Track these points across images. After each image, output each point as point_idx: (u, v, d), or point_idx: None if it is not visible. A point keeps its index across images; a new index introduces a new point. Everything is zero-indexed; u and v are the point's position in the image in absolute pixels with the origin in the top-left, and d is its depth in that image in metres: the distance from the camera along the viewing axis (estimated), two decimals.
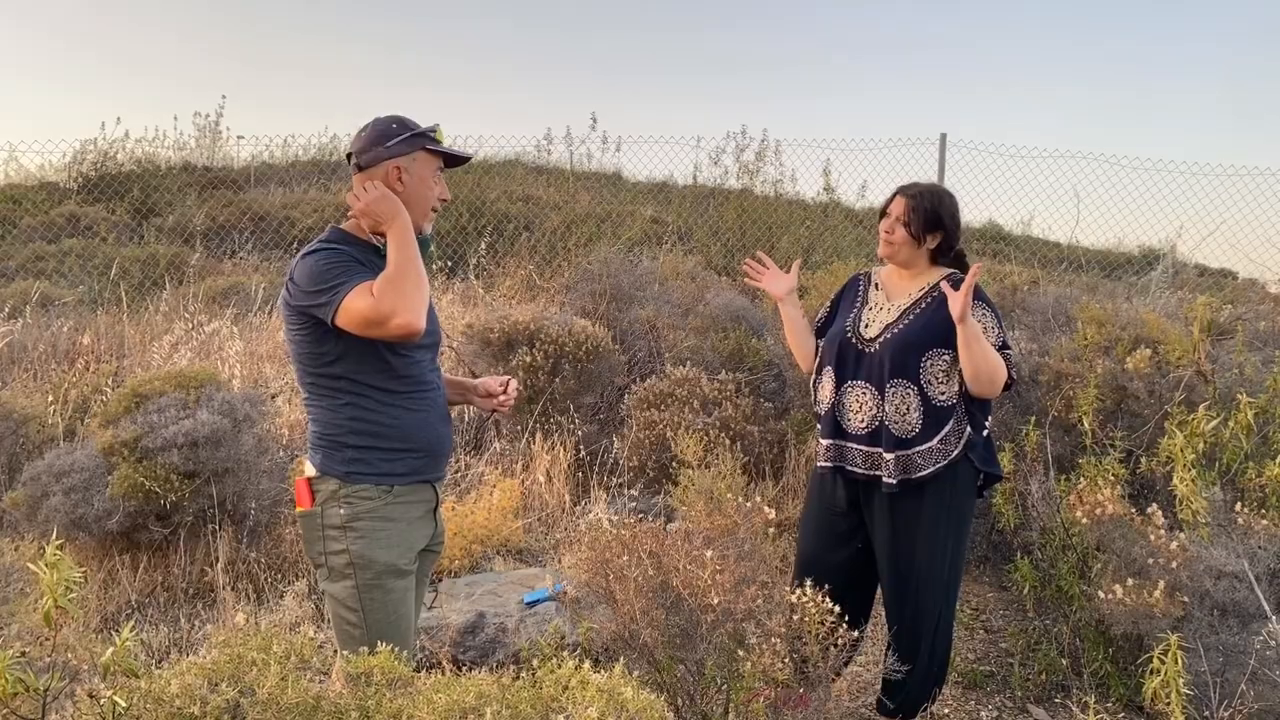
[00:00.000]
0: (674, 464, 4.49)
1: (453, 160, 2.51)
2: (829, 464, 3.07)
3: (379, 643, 2.32)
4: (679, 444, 4.42)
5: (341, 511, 2.31)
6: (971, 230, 13.30)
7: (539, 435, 5.06)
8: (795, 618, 2.78)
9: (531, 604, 3.80)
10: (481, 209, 11.36)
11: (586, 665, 1.69)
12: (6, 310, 6.86)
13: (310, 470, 2.36)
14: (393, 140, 2.37)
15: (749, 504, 3.30)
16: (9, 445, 4.73)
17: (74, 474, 4.07)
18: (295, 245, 10.18)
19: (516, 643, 3.60)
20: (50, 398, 4.85)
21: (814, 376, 3.18)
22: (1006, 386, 2.89)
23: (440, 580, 4.12)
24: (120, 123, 18.74)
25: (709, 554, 2.79)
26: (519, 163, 15.27)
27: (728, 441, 4.74)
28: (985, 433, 2.96)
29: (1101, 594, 3.28)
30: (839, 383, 3.04)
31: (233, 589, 4.00)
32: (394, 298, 2.15)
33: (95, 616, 3.89)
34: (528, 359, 5.16)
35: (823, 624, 2.76)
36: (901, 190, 3.04)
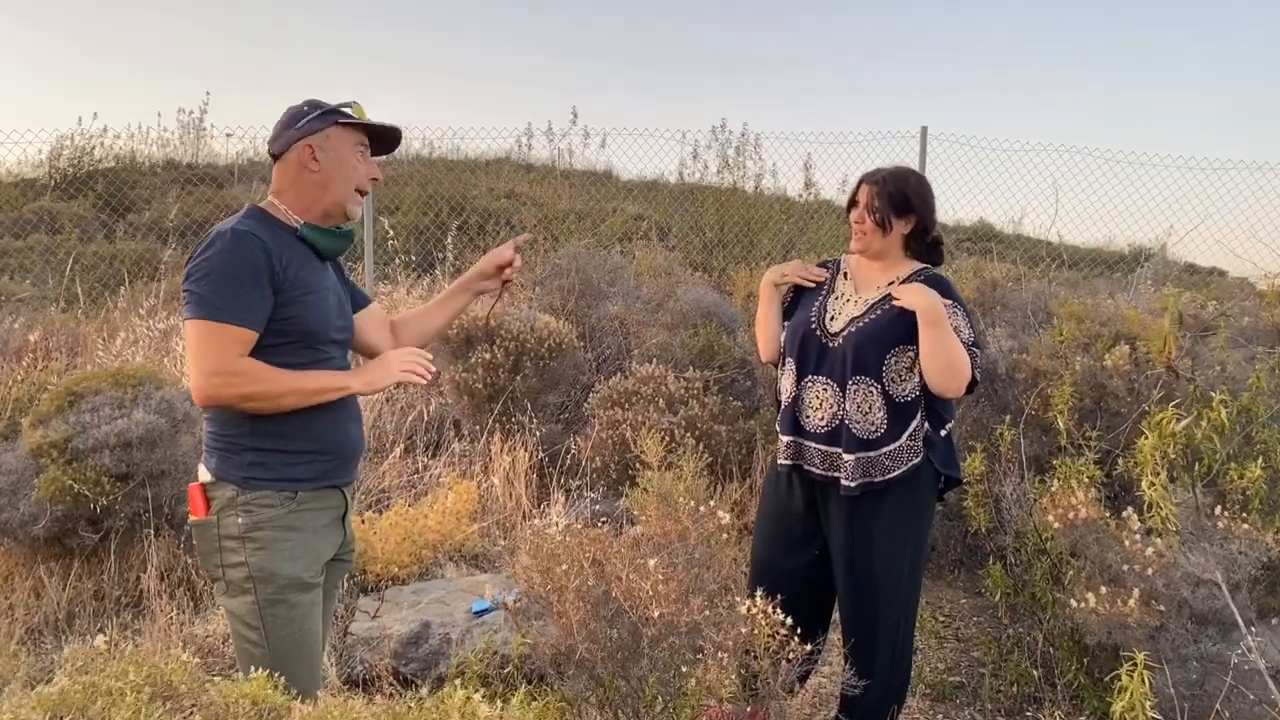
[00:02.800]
0: (638, 465, 4.31)
1: (381, 141, 2.33)
2: (786, 461, 2.90)
3: (283, 663, 2.17)
4: (640, 444, 4.24)
5: (239, 520, 2.11)
6: (962, 229, 13.16)
7: (498, 435, 4.87)
8: (745, 631, 2.61)
9: (480, 613, 3.61)
10: (464, 205, 11.19)
11: (478, 695, 1.50)
12: None
13: (205, 475, 2.17)
14: (303, 120, 2.20)
15: (702, 508, 3.12)
16: None
17: (0, 476, 3.87)
18: None
19: (462, 655, 3.42)
20: None
21: (778, 368, 3.00)
22: (969, 388, 2.71)
23: (386, 588, 3.94)
24: (97, 118, 18.45)
25: (652, 563, 2.61)
26: (508, 160, 15.08)
27: (692, 441, 4.56)
28: (945, 432, 2.79)
29: (1074, 602, 3.11)
30: (799, 377, 2.87)
31: (170, 597, 3.81)
32: (245, 390, 2.02)
33: (20, 627, 3.70)
34: (487, 356, 4.97)
35: (774, 637, 2.59)
36: (865, 178, 2.86)
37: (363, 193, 2.28)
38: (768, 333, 2.99)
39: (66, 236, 10.32)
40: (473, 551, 4.30)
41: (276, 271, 2.07)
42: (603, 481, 4.69)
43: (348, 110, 2.24)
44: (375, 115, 2.29)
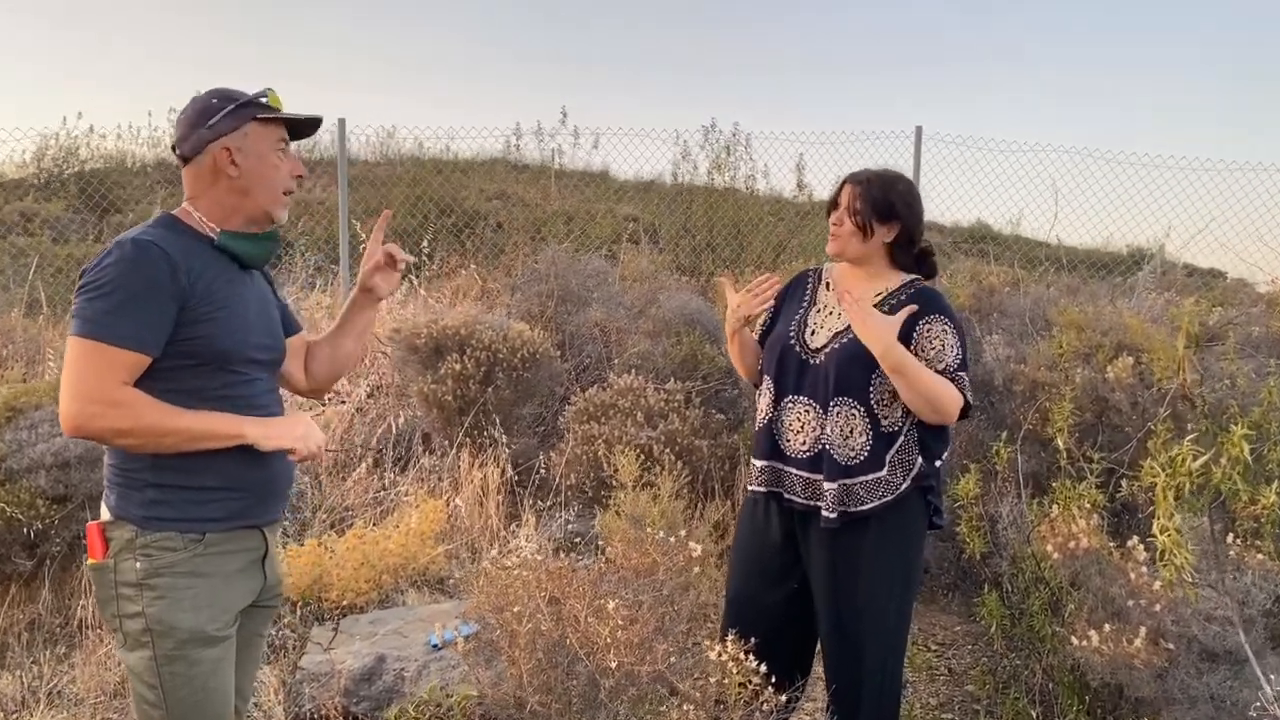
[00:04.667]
0: (613, 483, 4.08)
1: (298, 131, 2.08)
2: (762, 488, 2.65)
3: None
4: (613, 462, 4.00)
5: (137, 565, 1.86)
6: (960, 230, 12.94)
7: (468, 451, 4.63)
8: (714, 680, 2.37)
9: (439, 648, 3.37)
10: (452, 206, 10.95)
11: None
12: None
13: (105, 514, 1.93)
14: (216, 117, 1.94)
15: (673, 538, 2.88)
16: None
17: None
18: None
19: (417, 693, 3.18)
20: None
21: (758, 387, 2.76)
22: (963, 414, 2.48)
23: (341, 617, 3.69)
24: (82, 117, 18.16)
25: (611, 605, 2.37)
26: (503, 161, 14.83)
27: (671, 458, 4.32)
28: (939, 464, 2.55)
29: (1076, 639, 2.88)
30: (778, 396, 2.63)
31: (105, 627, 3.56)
32: (119, 424, 1.78)
33: None
34: (457, 367, 4.73)
35: (745, 686, 2.35)
36: (849, 177, 2.62)
37: (288, 192, 2.03)
38: (744, 363, 2.77)
39: (39, 238, 10.06)
40: (438, 576, 4.06)
41: (183, 286, 1.82)
42: (578, 500, 4.45)
43: (264, 102, 1.99)
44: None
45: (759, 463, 2.65)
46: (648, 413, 4.53)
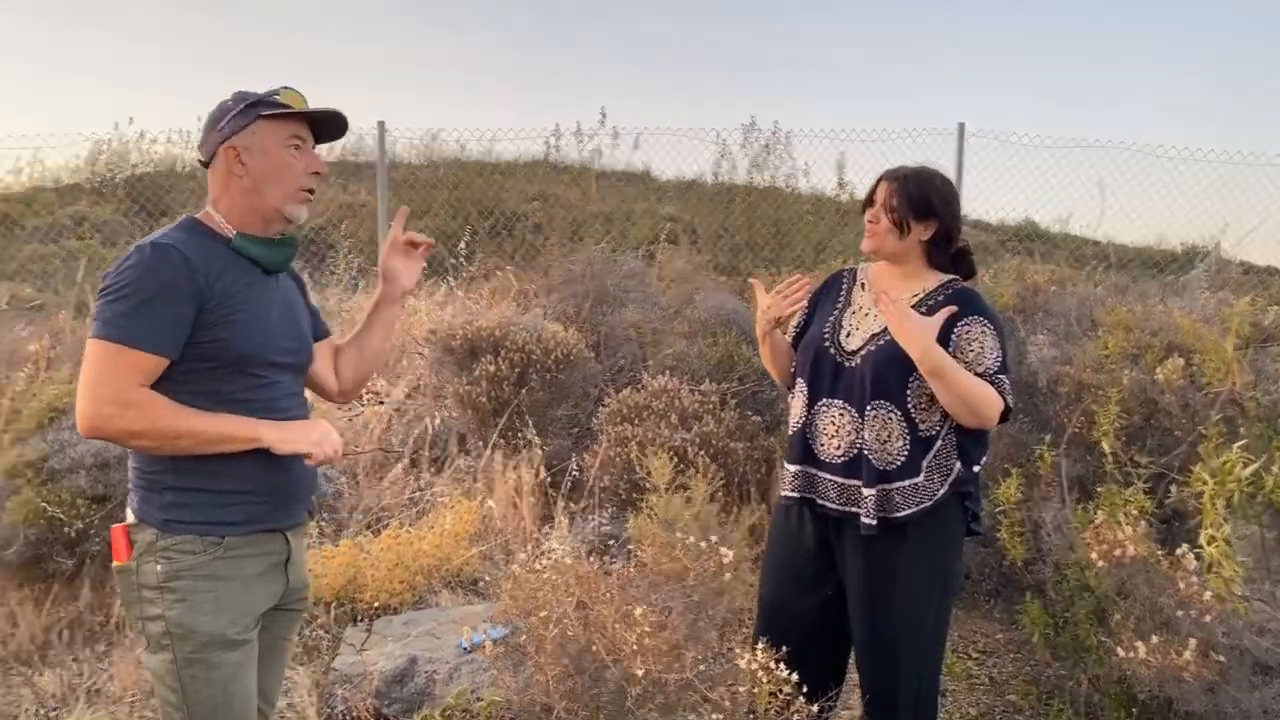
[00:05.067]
0: (647, 485, 4.04)
1: (323, 132, 2.05)
2: (795, 494, 2.59)
3: None
4: (646, 464, 3.96)
5: (158, 568, 1.87)
6: (1006, 228, 12.70)
7: (501, 452, 4.61)
8: (744, 690, 2.32)
9: (470, 650, 3.36)
10: (492, 208, 10.98)
11: None
12: None
13: (129, 516, 1.93)
14: (226, 118, 1.93)
15: (704, 543, 2.83)
16: None
17: None
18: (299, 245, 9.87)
19: (448, 696, 3.17)
20: None
21: (790, 390, 2.71)
22: (1002, 418, 2.40)
23: (376, 617, 3.70)
24: (133, 122, 18.50)
25: (638, 611, 2.33)
26: (544, 163, 14.85)
27: (706, 460, 4.27)
28: (977, 470, 2.48)
29: (1122, 651, 2.78)
30: (812, 400, 2.57)
31: None
32: (134, 425, 1.78)
33: None
34: (491, 368, 4.72)
35: (777, 695, 2.30)
36: (885, 174, 2.56)
37: (306, 191, 2.00)
38: (777, 366, 2.71)
39: (89, 242, 10.26)
40: (471, 577, 4.05)
41: (201, 288, 1.82)
42: (611, 502, 4.42)
43: (275, 98, 1.97)
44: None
45: (792, 468, 2.60)
46: (682, 414, 4.48)
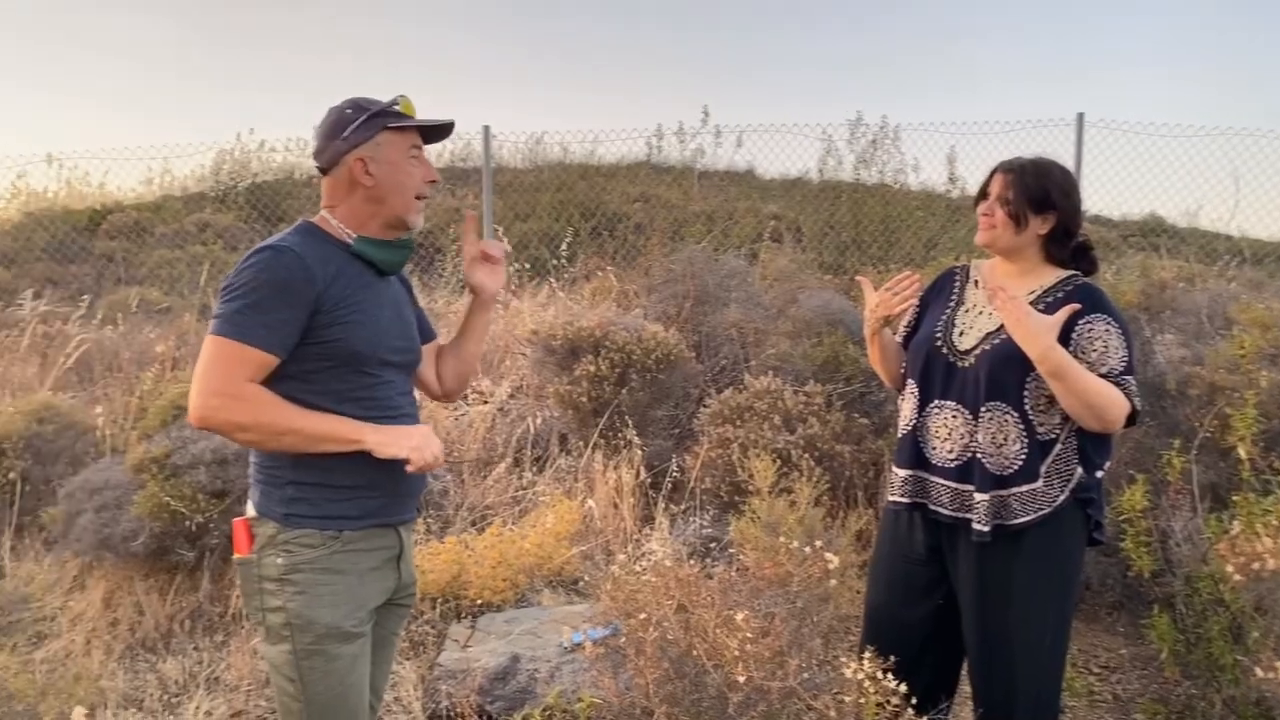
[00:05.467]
0: (749, 488, 3.98)
1: (432, 135, 2.11)
2: (905, 499, 2.50)
3: None
4: (748, 467, 3.90)
5: (279, 561, 1.92)
6: (1130, 223, 12.13)
7: (601, 453, 4.61)
8: (850, 700, 2.24)
9: (571, 650, 3.35)
10: (594, 210, 11.06)
11: None
12: (99, 317, 6.93)
13: (250, 510, 1.99)
14: (349, 128, 1.99)
15: (808, 548, 2.76)
16: (66, 457, 4.64)
17: (106, 491, 3.89)
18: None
19: (548, 695, 3.17)
20: (98, 408, 4.74)
21: (900, 392, 2.62)
22: (1128, 421, 2.26)
23: (479, 614, 3.74)
24: (254, 131, 19.32)
25: (740, 616, 2.28)
26: (647, 164, 14.91)
27: (810, 464, 4.18)
28: (1100, 475, 2.34)
29: (1261, 671, 2.60)
30: (923, 401, 2.47)
31: None
32: (240, 418, 1.83)
33: (120, 644, 3.68)
34: (591, 368, 4.72)
35: (884, 706, 2.22)
36: (1000, 165, 2.44)
37: (422, 198, 2.06)
38: (886, 367, 2.62)
39: (211, 247, 10.75)
40: (572, 577, 4.06)
41: (317, 290, 1.88)
42: (713, 504, 4.37)
43: (396, 110, 2.02)
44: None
45: (901, 472, 2.50)
46: (786, 416, 4.40)
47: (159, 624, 3.80)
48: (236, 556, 1.99)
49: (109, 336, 6.55)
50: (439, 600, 3.76)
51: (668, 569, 2.72)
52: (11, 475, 4.40)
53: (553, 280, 6.42)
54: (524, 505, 4.67)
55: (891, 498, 2.54)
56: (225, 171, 15.23)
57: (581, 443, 4.79)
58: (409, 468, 1.94)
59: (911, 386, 2.48)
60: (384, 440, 1.91)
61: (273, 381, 1.88)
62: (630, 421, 4.68)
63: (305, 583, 1.91)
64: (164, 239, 12.35)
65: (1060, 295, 2.34)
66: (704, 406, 4.68)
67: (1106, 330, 2.28)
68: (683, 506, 4.38)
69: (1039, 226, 2.37)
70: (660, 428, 5.03)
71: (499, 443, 5.25)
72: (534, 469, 4.91)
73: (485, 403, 5.50)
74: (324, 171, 2.02)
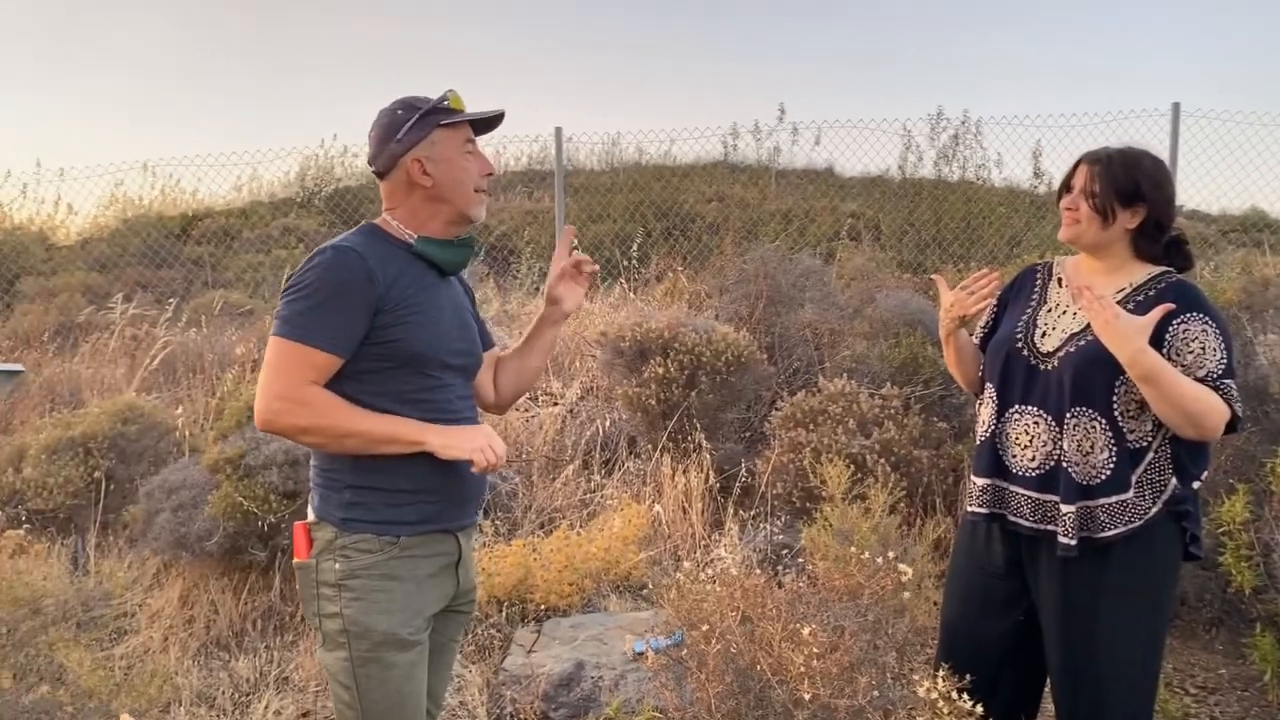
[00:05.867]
0: (821, 494, 3.86)
1: (483, 127, 2.06)
2: (983, 509, 2.37)
3: None
4: (821, 472, 3.78)
5: (336, 566, 1.90)
6: (1230, 218, 11.57)
7: (670, 456, 4.54)
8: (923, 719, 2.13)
9: (635, 658, 3.29)
10: (668, 211, 11.00)
11: None
12: (185, 320, 7.13)
13: (310, 514, 1.98)
14: (403, 130, 1.96)
15: (880, 558, 2.64)
16: (149, 457, 4.76)
17: (184, 490, 3.97)
18: (487, 251, 10.23)
19: (611, 704, 3.11)
20: (179, 409, 4.85)
21: (979, 397, 2.49)
22: (1229, 428, 2.10)
23: (545, 618, 3.70)
24: (337, 138, 19.83)
25: (806, 630, 2.18)
26: (723, 164, 14.81)
27: (886, 469, 4.04)
28: (1197, 487, 2.18)
29: None
30: (1002, 406, 2.34)
31: None
32: (304, 421, 1.82)
33: (196, 642, 3.75)
34: (660, 370, 4.65)
35: None
36: (1085, 156, 2.30)
37: (481, 191, 2.02)
38: (963, 370, 2.49)
39: (293, 251, 11.01)
40: (639, 582, 4.00)
41: (379, 291, 1.86)
42: (785, 509, 4.26)
43: (446, 106, 1.99)
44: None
45: (980, 481, 2.37)
46: (860, 420, 4.26)
47: (233, 622, 3.86)
48: (296, 560, 1.98)
49: (193, 339, 6.73)
50: (505, 603, 3.73)
51: (733, 578, 2.63)
52: (97, 474, 4.53)
53: (624, 281, 6.36)
54: (592, 508, 4.63)
55: (969, 508, 2.41)
56: (309, 177, 15.61)
57: (650, 446, 4.72)
58: (474, 469, 1.90)
59: (990, 391, 2.35)
60: (448, 442, 1.88)
61: (334, 382, 1.86)
62: (699, 424, 4.60)
63: (362, 589, 1.88)
64: (250, 243, 12.69)
65: (1152, 293, 2.19)
66: (776, 409, 4.57)
67: (1203, 330, 2.12)
68: (753, 512, 4.28)
69: (1127, 220, 2.22)
70: (731, 431, 4.93)
71: (568, 445, 5.22)
72: (602, 472, 4.86)
73: (555, 404, 5.48)
74: (381, 176, 2.00)
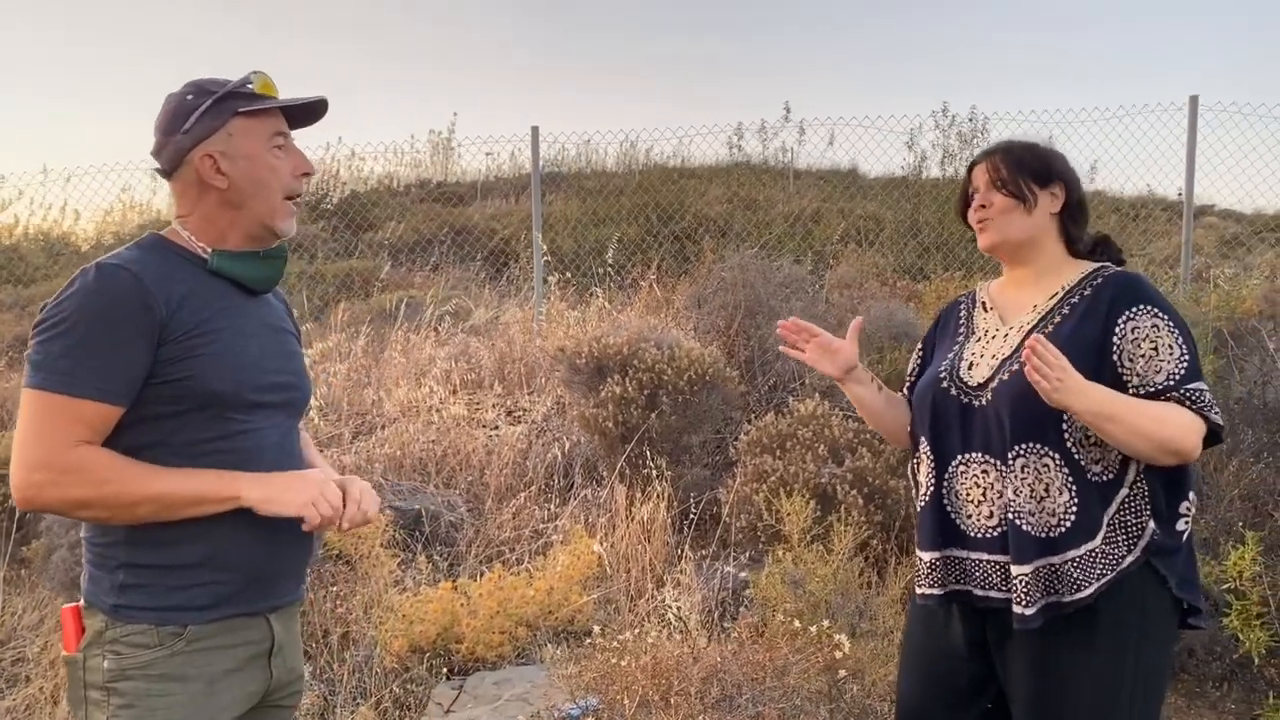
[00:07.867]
0: (781, 530, 3.48)
1: (299, 119, 1.69)
2: (937, 590, 1.95)
3: None
4: (780, 505, 3.40)
5: (105, 664, 1.52)
6: (1262, 218, 11.04)
7: (628, 483, 4.16)
8: None
9: None
10: (674, 213, 10.63)
11: None
12: None
13: (80, 597, 1.61)
14: (191, 118, 1.58)
15: (813, 628, 2.26)
16: None
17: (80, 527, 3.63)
18: (488, 256, 9.92)
19: None
20: None
21: (913, 455, 2.10)
22: (1209, 441, 1.73)
23: (470, 672, 3.34)
24: (342, 141, 19.70)
25: None
26: (745, 165, 14.44)
27: (859, 501, 3.65)
28: (1184, 526, 1.79)
29: None
30: (942, 461, 1.95)
31: None
32: (77, 493, 1.45)
33: None
34: (618, 390, 4.27)
35: None
36: (975, 158, 2.00)
37: (293, 197, 1.65)
38: (878, 422, 2.14)
39: (298, 260, 10.78)
40: (585, 627, 3.62)
41: (160, 318, 1.49)
42: (749, 544, 3.87)
43: (249, 88, 1.61)
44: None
45: (927, 556, 1.95)
46: (832, 445, 3.87)
47: None
48: (64, 654, 1.60)
49: None
50: (428, 654, 3.37)
51: (649, 645, 2.27)
52: (10, 502, 4.21)
53: (598, 290, 5.99)
54: (546, 539, 4.26)
55: (921, 590, 2.00)
56: (314, 181, 15.37)
57: (609, 471, 4.35)
58: (305, 526, 1.54)
59: (924, 446, 1.96)
60: (269, 494, 1.51)
61: (112, 435, 1.49)
62: (661, 449, 4.22)
63: (135, 694, 1.50)
64: None
65: (1087, 291, 1.87)
66: (746, 432, 4.18)
67: (1154, 326, 1.76)
68: (711, 549, 3.89)
69: (1050, 204, 1.91)
70: (698, 455, 4.54)
71: (529, 468, 4.85)
72: (557, 500, 4.49)
73: (517, 422, 5.12)
74: (167, 175, 1.63)
